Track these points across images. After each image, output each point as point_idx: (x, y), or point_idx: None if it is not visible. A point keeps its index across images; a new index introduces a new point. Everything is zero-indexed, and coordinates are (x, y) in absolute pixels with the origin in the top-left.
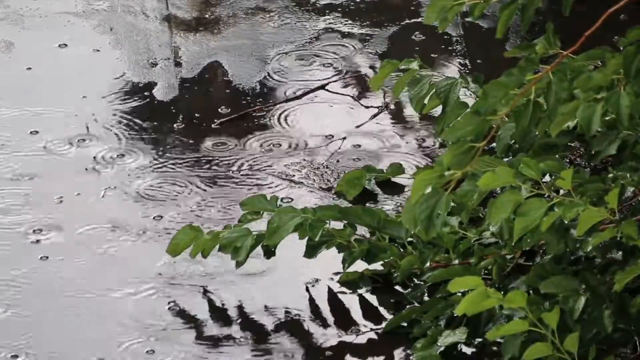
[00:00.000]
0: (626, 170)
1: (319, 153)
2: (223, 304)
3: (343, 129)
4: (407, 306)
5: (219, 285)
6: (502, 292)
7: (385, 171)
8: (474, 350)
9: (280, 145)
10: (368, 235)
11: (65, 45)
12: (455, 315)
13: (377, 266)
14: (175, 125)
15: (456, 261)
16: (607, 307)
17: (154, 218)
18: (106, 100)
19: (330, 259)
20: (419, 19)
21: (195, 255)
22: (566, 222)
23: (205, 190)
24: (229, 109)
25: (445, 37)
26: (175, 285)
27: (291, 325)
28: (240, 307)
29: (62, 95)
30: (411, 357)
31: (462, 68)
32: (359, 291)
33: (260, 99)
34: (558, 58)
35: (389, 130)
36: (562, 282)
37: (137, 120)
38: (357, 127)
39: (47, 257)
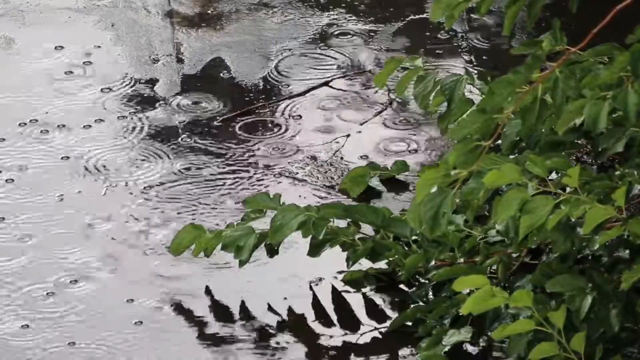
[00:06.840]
0: (633, 168)
1: (323, 150)
2: (226, 303)
3: (347, 126)
4: (412, 305)
5: (222, 283)
6: (508, 291)
7: (389, 168)
8: (479, 349)
9: (283, 142)
10: (372, 234)
11: (66, 41)
12: (460, 314)
13: (382, 265)
14: (177, 122)
15: (461, 260)
16: (614, 306)
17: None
18: (107, 98)
19: (334, 258)
20: (424, 15)
21: (198, 254)
22: (572, 220)
23: (206, 188)
24: (232, 106)
25: (451, 33)
26: (175, 283)
27: (295, 325)
28: (243, 306)
29: (62, 93)
30: (416, 357)
31: (468, 65)
32: (363, 290)
33: (263, 96)
34: (564, 55)
35: (392, 127)
36: (569, 281)
37: (138, 118)
38: (361, 124)
39: None
